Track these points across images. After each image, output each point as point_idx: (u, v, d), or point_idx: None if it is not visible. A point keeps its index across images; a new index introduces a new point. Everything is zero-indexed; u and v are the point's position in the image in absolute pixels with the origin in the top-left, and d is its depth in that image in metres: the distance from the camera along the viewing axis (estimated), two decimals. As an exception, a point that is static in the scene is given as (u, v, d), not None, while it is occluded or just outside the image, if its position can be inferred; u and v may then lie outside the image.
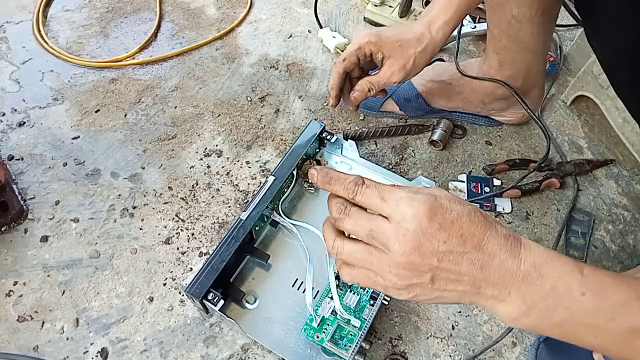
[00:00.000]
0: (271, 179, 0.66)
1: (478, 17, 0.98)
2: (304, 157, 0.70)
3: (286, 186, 0.69)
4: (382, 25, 1.00)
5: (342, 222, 0.41)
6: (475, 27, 0.97)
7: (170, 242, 0.68)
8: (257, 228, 0.65)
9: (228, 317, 0.57)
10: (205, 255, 0.67)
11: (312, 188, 0.72)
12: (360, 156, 0.76)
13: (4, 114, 0.82)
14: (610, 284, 0.36)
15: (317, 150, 0.76)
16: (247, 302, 0.61)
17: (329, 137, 0.74)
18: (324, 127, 0.74)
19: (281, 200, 0.69)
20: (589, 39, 0.53)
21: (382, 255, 0.38)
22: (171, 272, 0.66)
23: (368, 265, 0.40)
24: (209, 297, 0.56)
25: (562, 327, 0.37)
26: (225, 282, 0.61)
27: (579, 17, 0.66)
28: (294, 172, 0.69)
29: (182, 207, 0.72)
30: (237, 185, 0.75)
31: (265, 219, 0.67)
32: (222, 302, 0.56)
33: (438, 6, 0.66)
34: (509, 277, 0.36)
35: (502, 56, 0.70)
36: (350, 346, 0.56)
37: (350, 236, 0.42)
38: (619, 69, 0.48)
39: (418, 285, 0.38)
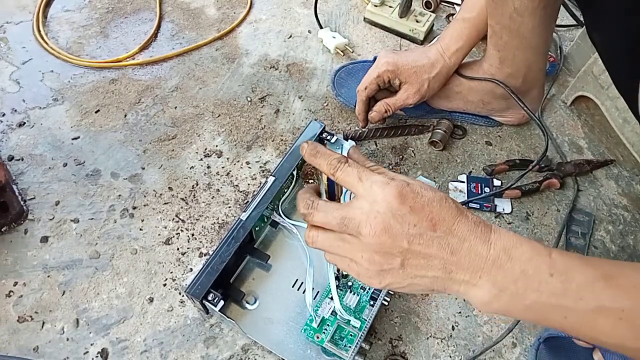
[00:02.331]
0: (271, 179, 0.66)
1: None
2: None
3: (286, 186, 0.69)
4: (381, 26, 1.00)
5: (312, 216, 0.42)
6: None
7: (170, 242, 0.68)
8: (257, 228, 0.65)
9: (228, 317, 0.57)
10: (205, 255, 0.67)
11: (312, 188, 0.72)
12: (360, 156, 0.76)
13: (4, 115, 0.82)
14: (577, 265, 0.37)
15: (317, 150, 0.76)
16: (247, 302, 0.61)
17: (329, 137, 0.74)
18: (324, 127, 0.74)
19: (281, 201, 0.69)
20: (589, 33, 0.53)
21: (354, 240, 0.40)
22: (171, 272, 0.66)
23: (341, 252, 0.41)
24: (209, 298, 0.56)
25: (533, 309, 0.37)
26: (225, 282, 0.61)
27: (579, 9, 0.66)
28: (294, 173, 0.69)
29: (182, 207, 0.72)
30: (237, 185, 0.75)
31: (266, 220, 0.67)
32: (222, 302, 0.56)
33: (449, 36, 0.74)
34: (480, 261, 0.37)
35: (503, 53, 0.70)
36: (350, 347, 0.56)
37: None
38: (620, 61, 0.48)
39: (389, 272, 0.39)
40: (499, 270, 0.37)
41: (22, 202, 0.70)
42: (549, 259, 0.37)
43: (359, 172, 0.41)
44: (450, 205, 0.39)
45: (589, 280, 0.36)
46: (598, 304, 0.35)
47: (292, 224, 0.66)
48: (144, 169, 0.76)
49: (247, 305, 0.61)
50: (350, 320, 0.58)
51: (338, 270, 0.61)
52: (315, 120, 0.75)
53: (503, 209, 0.74)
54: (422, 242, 0.38)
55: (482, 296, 0.38)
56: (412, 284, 0.40)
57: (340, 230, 0.41)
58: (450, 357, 0.61)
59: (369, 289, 0.61)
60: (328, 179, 0.46)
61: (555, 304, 0.36)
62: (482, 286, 0.38)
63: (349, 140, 0.77)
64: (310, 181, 0.71)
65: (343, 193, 0.49)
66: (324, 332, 0.57)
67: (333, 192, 0.48)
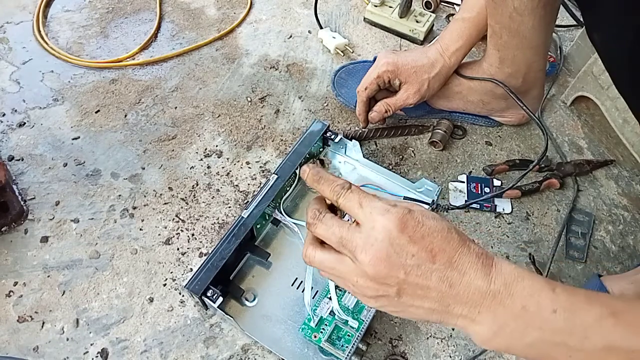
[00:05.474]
0: (274, 177, 0.66)
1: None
2: (307, 156, 0.70)
3: (288, 185, 0.69)
4: (381, 26, 1.00)
5: (315, 227, 0.42)
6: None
7: (170, 242, 0.68)
8: (258, 226, 0.65)
9: (227, 314, 0.57)
10: (205, 255, 0.67)
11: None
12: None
13: (4, 115, 0.82)
14: (583, 302, 0.35)
15: (321, 149, 0.76)
16: (246, 299, 0.61)
17: (332, 136, 0.74)
18: (328, 126, 0.74)
19: (283, 199, 0.69)
20: (589, 33, 0.53)
21: (351, 263, 0.39)
22: (171, 272, 0.66)
23: (337, 273, 0.41)
24: (208, 294, 0.57)
25: (535, 347, 0.36)
26: (225, 279, 0.61)
27: (579, 9, 0.65)
28: (297, 171, 0.69)
29: (182, 207, 0.72)
30: (237, 185, 0.75)
31: (267, 217, 0.67)
32: (221, 299, 0.57)
33: (449, 36, 0.73)
34: (479, 296, 0.36)
35: (503, 53, 0.70)
36: (347, 347, 0.56)
37: (325, 244, 0.43)
38: (620, 61, 0.48)
39: (384, 297, 0.38)
40: (499, 306, 0.35)
41: (22, 202, 0.70)
42: (552, 294, 0.35)
43: (359, 199, 0.40)
44: (453, 237, 0.37)
45: (596, 318, 0.34)
46: (606, 344, 0.33)
47: (294, 223, 0.66)
48: (144, 169, 0.76)
49: (246, 302, 0.61)
50: (348, 321, 0.58)
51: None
52: (318, 120, 0.75)
53: (503, 209, 0.74)
54: (419, 273, 0.36)
55: (482, 332, 0.37)
56: (407, 311, 0.39)
57: (338, 249, 0.40)
58: (450, 357, 0.61)
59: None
60: None
61: (559, 343, 0.35)
62: (481, 322, 0.36)
63: (353, 140, 0.77)
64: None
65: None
66: (321, 332, 0.57)
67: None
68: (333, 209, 0.45)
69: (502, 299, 0.35)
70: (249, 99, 0.87)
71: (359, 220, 0.39)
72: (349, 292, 0.59)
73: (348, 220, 0.42)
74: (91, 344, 0.60)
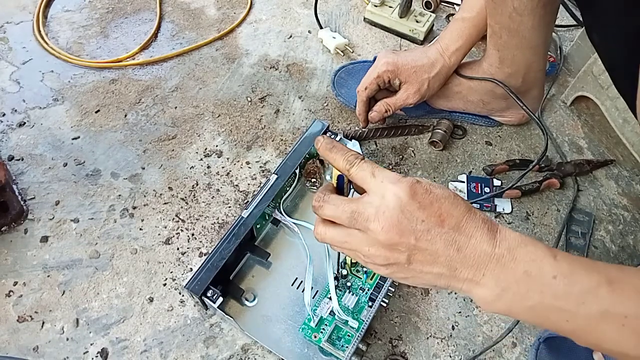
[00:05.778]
0: (273, 177, 0.66)
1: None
2: (307, 156, 0.70)
3: (288, 185, 0.69)
4: (381, 26, 1.00)
5: (322, 209, 0.43)
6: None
7: (170, 242, 0.68)
8: (258, 226, 0.65)
9: (227, 314, 0.57)
10: (205, 255, 0.67)
11: (315, 187, 0.72)
12: (360, 156, 0.76)
13: (4, 115, 0.82)
14: (582, 269, 0.36)
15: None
16: (246, 299, 0.61)
17: (332, 136, 0.74)
18: (328, 126, 0.74)
19: (283, 199, 0.69)
20: (588, 33, 0.53)
21: (362, 235, 0.40)
22: (171, 272, 0.66)
23: (349, 246, 0.42)
24: (208, 294, 0.57)
25: (535, 311, 0.37)
26: (225, 279, 0.61)
27: (579, 9, 0.65)
28: (297, 171, 0.69)
29: (182, 207, 0.72)
30: (237, 185, 0.75)
31: (267, 217, 0.67)
32: (221, 299, 0.57)
33: (449, 36, 0.74)
34: (484, 259, 0.37)
35: (503, 53, 0.70)
36: (347, 347, 0.56)
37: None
38: (620, 62, 0.48)
39: (395, 265, 0.40)
40: (502, 269, 0.37)
41: (22, 202, 0.70)
42: (553, 261, 0.37)
43: (372, 169, 0.41)
44: (459, 203, 0.39)
45: (593, 285, 0.35)
46: (601, 309, 0.35)
47: (294, 223, 0.66)
48: (144, 169, 0.76)
49: (246, 303, 0.61)
50: (348, 321, 0.58)
51: (337, 271, 0.61)
52: (318, 120, 0.75)
53: (503, 209, 0.74)
54: (429, 238, 0.38)
55: (485, 295, 0.38)
56: (416, 277, 0.40)
57: (349, 225, 0.41)
58: (450, 357, 0.61)
59: (368, 289, 0.61)
60: (338, 177, 0.46)
61: (557, 307, 0.36)
62: (485, 284, 0.38)
63: (353, 141, 0.77)
64: (313, 180, 0.71)
65: (350, 192, 0.49)
66: (321, 332, 0.57)
67: (342, 191, 0.48)
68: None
69: (506, 263, 0.37)
70: (249, 99, 0.87)
71: (369, 190, 0.40)
72: (350, 293, 0.60)
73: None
74: (91, 344, 0.60)
